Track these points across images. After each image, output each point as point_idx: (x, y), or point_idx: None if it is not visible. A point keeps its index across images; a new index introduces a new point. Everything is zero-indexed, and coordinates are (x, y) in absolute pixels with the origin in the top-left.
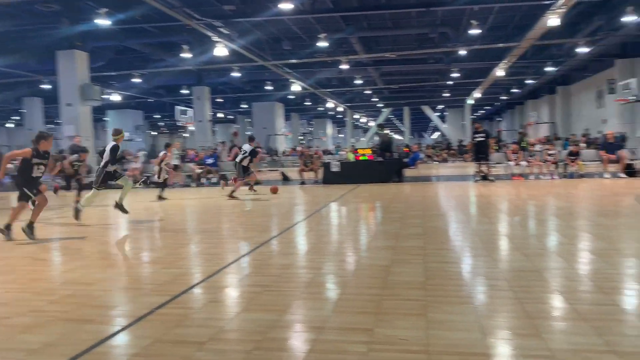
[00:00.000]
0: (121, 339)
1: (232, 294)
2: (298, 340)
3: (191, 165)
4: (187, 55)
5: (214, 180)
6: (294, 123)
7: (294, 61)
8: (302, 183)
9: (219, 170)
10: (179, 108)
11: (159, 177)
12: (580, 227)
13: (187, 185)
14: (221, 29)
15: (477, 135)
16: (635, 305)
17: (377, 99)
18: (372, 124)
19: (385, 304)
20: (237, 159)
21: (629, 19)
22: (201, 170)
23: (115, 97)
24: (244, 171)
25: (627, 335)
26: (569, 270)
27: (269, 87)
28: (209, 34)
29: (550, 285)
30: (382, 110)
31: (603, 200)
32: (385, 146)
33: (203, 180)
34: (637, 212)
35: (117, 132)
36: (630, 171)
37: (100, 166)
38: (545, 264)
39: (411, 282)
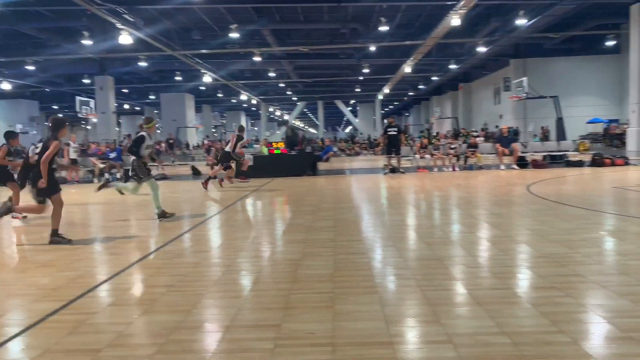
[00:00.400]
0: (6, 352)
1: (134, 295)
2: (203, 341)
3: (93, 159)
4: (88, 42)
5: (118, 175)
6: (206, 115)
7: (204, 51)
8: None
9: (123, 165)
10: (79, 99)
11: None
12: (478, 216)
13: (89, 181)
14: (125, 16)
15: (390, 130)
16: (524, 287)
17: (291, 93)
18: (286, 117)
19: (294, 298)
20: (228, 149)
21: (521, 22)
22: (104, 165)
23: (6, 86)
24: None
25: (517, 317)
26: (468, 257)
27: (179, 78)
28: (112, 20)
29: (451, 273)
30: (297, 103)
31: (498, 190)
32: (290, 141)
33: (107, 176)
34: (528, 201)
35: (148, 121)
36: (522, 163)
37: (134, 159)
38: (447, 253)
39: (320, 274)
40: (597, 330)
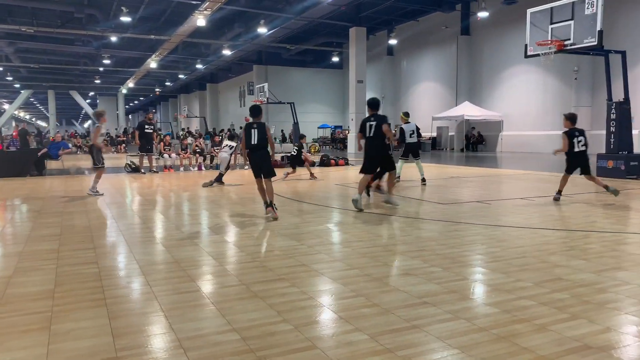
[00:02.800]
0: None
1: None
2: None
3: None
4: None
5: None
6: None
7: None
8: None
9: None
10: None
11: None
12: (222, 216)
13: None
14: None
15: (147, 127)
16: (256, 282)
17: (12, 79)
18: (7, 106)
19: None
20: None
21: (262, 30)
22: None
23: None
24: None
25: (247, 311)
26: (207, 258)
27: None
28: None
29: (188, 275)
30: (21, 91)
31: (242, 189)
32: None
33: None
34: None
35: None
36: None
37: None
38: (186, 255)
39: (37, 292)
40: (315, 314)
